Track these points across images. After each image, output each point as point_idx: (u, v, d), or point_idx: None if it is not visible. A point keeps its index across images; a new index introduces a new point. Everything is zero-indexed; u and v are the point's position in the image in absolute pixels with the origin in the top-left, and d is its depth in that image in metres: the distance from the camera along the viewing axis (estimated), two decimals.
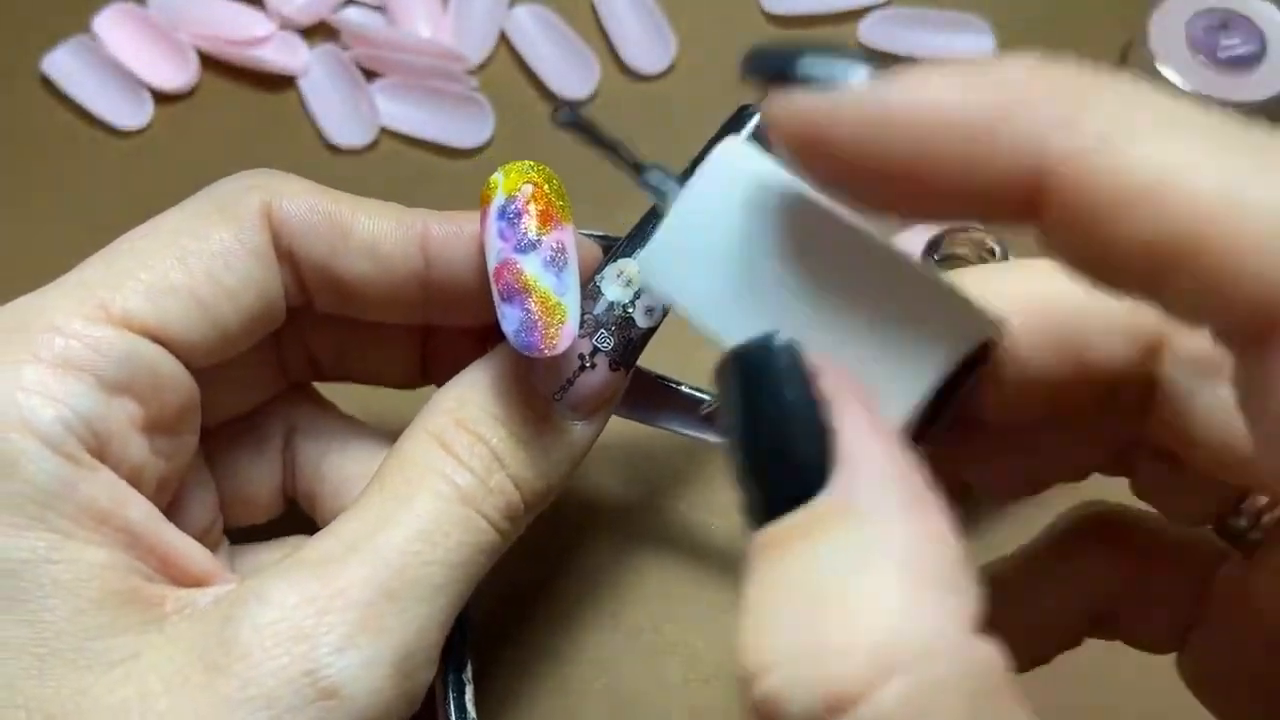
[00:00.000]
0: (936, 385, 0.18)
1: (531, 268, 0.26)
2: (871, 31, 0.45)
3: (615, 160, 0.23)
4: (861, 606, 0.16)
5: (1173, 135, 0.15)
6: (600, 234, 0.31)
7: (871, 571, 0.16)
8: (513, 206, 0.26)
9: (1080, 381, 0.20)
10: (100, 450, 0.24)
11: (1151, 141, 0.15)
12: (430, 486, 0.26)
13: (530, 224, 0.26)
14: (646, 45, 0.45)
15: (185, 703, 0.22)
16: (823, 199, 0.19)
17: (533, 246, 0.26)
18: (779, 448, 0.17)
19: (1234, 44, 0.40)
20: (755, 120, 0.27)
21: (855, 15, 0.46)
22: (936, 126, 0.16)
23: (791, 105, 0.17)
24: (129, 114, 0.43)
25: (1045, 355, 0.20)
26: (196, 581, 0.25)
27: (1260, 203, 0.14)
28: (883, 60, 0.17)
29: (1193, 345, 0.20)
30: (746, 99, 0.44)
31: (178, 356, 0.26)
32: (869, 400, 0.18)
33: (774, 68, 0.17)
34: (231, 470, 0.30)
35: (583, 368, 0.27)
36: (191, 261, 0.26)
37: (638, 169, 0.23)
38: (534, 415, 0.27)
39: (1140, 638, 0.24)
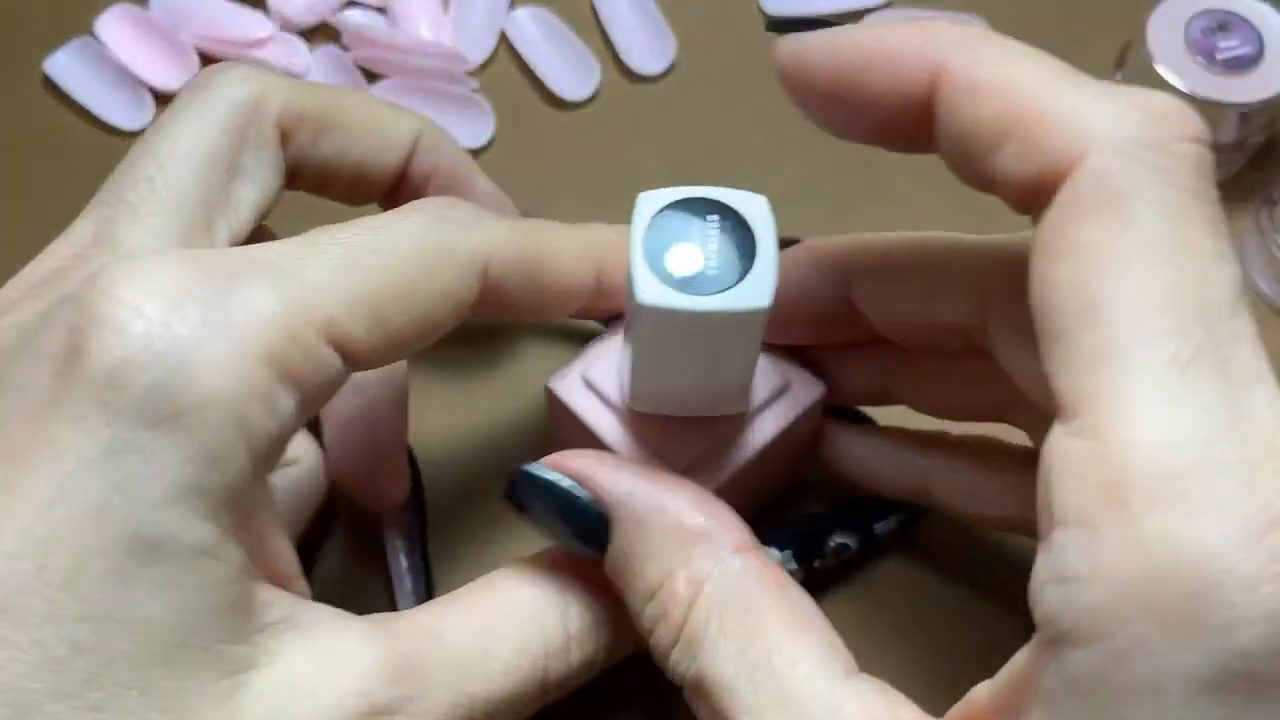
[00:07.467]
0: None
1: None
2: None
3: None
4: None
5: (1016, 59, 0.22)
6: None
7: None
8: None
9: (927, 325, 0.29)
10: (268, 463, 0.24)
11: (1006, 65, 0.22)
12: (528, 648, 0.26)
13: None
14: (646, 46, 0.45)
15: None
16: None
17: None
18: (574, 525, 0.26)
19: (1232, 45, 0.40)
20: None
21: (855, 16, 0.46)
22: (878, 50, 0.24)
23: (794, 39, 0.24)
24: (131, 115, 0.43)
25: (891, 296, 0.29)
26: (285, 583, 0.25)
27: (1068, 96, 0.21)
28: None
29: (1012, 308, 0.26)
30: (745, 99, 0.44)
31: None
32: (591, 460, 0.27)
33: (783, 28, 0.25)
34: None
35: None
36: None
37: None
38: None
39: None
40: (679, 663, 0.25)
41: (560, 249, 0.28)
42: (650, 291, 0.24)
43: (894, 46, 0.23)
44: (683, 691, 0.25)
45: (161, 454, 0.21)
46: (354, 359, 0.24)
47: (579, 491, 0.26)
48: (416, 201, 0.27)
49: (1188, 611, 0.18)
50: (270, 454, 0.23)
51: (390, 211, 0.26)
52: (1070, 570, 0.19)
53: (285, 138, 0.28)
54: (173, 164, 0.26)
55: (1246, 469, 0.19)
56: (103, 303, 0.22)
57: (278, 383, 0.23)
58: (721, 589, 0.24)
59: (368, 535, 0.35)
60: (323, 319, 0.23)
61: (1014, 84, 0.22)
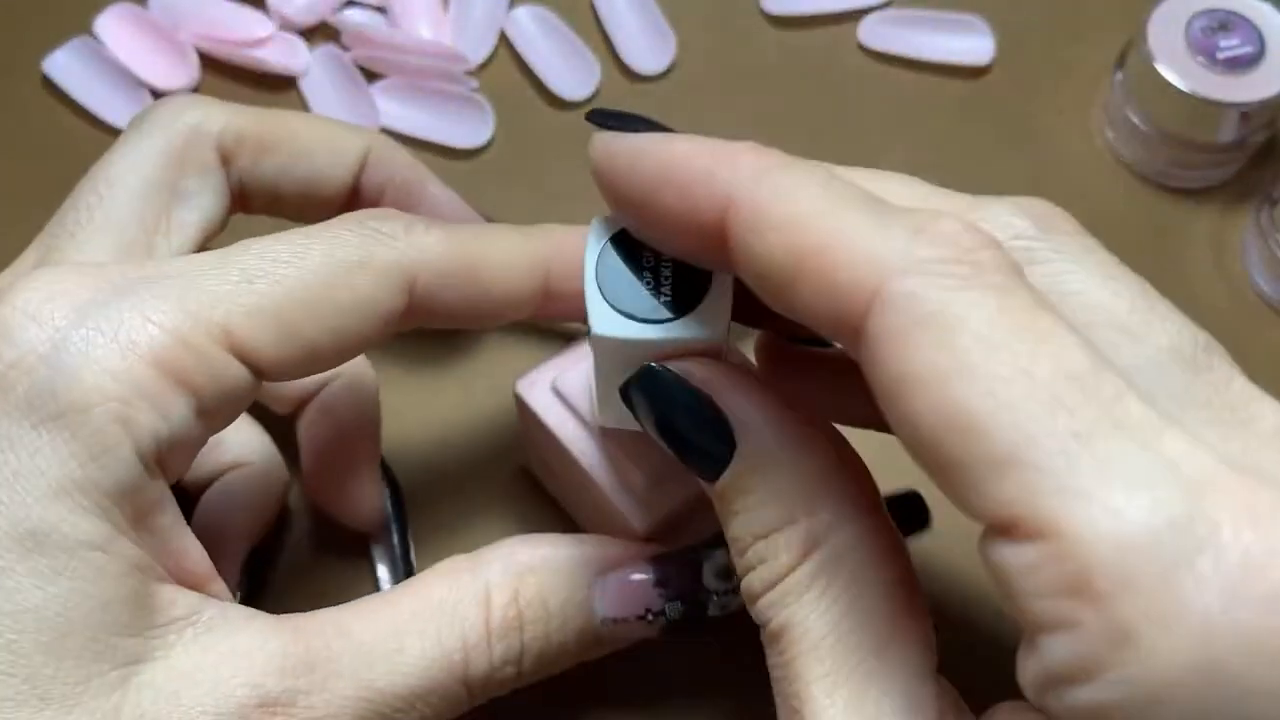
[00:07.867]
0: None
1: None
2: (871, 33, 0.45)
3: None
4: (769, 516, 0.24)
5: (802, 192, 0.21)
6: None
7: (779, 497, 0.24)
8: None
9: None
10: (168, 465, 0.24)
11: (792, 200, 0.21)
12: (444, 641, 0.26)
13: None
14: (647, 45, 0.45)
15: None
16: None
17: None
18: (693, 435, 0.24)
19: (1233, 45, 0.40)
20: None
21: (855, 16, 0.46)
22: (672, 170, 0.23)
23: (604, 141, 0.24)
24: (130, 114, 0.43)
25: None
26: (197, 583, 0.25)
27: (852, 229, 0.21)
28: None
29: None
30: (745, 99, 0.44)
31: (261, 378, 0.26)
32: (733, 369, 0.24)
33: (602, 120, 0.24)
34: None
35: (642, 618, 0.28)
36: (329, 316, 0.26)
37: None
38: (579, 620, 0.28)
39: None
40: (768, 608, 0.23)
41: (500, 256, 0.28)
42: (603, 321, 0.24)
43: (685, 169, 0.22)
44: (759, 630, 0.24)
45: (45, 451, 0.22)
46: (263, 369, 0.25)
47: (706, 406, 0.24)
48: (345, 215, 0.27)
49: (1197, 693, 0.18)
50: (167, 455, 0.24)
51: (315, 225, 0.26)
52: (1067, 672, 0.19)
53: (227, 161, 0.29)
54: (111, 193, 0.27)
55: (1205, 524, 0.18)
56: (2, 312, 0.23)
57: (169, 386, 0.23)
58: (839, 548, 0.23)
59: (356, 548, 0.35)
60: (221, 326, 0.24)
61: (798, 221, 0.21)
